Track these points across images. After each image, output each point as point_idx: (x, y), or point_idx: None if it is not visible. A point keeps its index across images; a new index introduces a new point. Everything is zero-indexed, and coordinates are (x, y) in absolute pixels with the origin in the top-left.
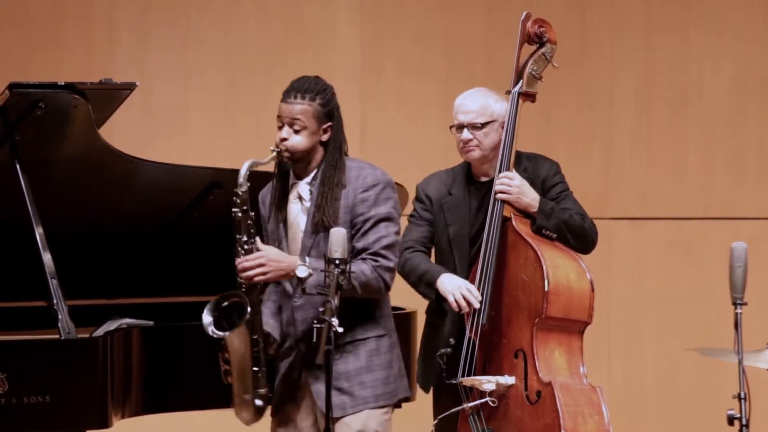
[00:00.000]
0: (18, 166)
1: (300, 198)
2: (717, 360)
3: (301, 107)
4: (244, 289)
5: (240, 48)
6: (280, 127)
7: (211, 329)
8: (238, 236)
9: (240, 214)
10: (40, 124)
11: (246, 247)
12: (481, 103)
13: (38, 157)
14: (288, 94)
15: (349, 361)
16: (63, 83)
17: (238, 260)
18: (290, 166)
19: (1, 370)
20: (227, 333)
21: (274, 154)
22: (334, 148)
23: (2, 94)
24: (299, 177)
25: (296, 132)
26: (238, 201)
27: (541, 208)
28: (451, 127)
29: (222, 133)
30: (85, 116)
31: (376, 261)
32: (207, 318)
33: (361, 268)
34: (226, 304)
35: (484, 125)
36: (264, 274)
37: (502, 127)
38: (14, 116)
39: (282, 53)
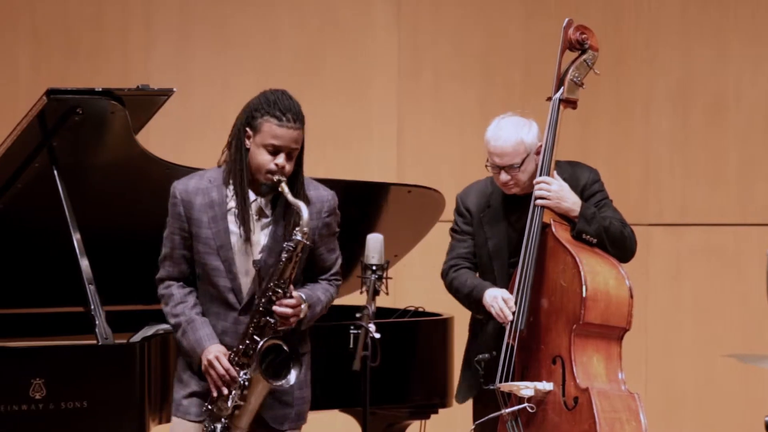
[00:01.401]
0: (56, 172)
1: (261, 214)
2: (754, 366)
3: (299, 134)
4: (277, 332)
5: (277, 53)
6: (275, 152)
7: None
8: (280, 281)
9: (296, 259)
10: (77, 130)
11: (285, 290)
12: (514, 141)
13: (76, 163)
14: (286, 118)
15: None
16: (100, 89)
17: (284, 303)
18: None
19: (39, 375)
20: (283, 382)
21: (283, 184)
22: (299, 165)
23: (40, 100)
24: (262, 194)
25: (290, 159)
26: (296, 248)
27: (582, 212)
28: (486, 165)
29: None
30: (123, 122)
31: (339, 280)
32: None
33: (331, 291)
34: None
35: (521, 164)
36: (299, 316)
37: (538, 153)
38: (52, 122)
39: (319, 58)
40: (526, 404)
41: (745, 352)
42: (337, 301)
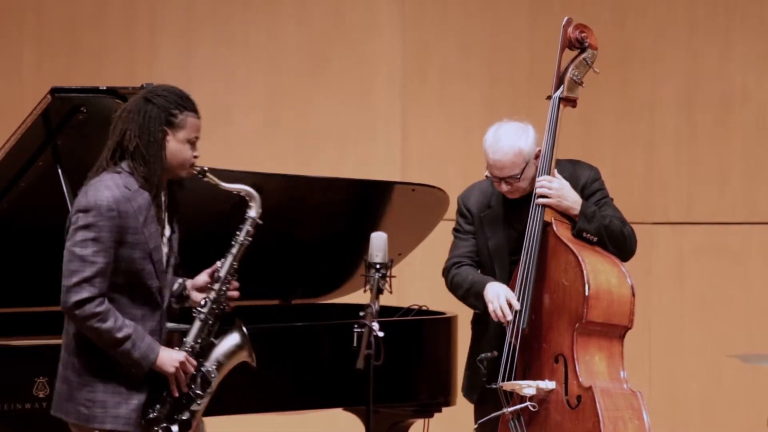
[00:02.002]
0: (60, 171)
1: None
2: (758, 366)
3: None
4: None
5: (282, 53)
6: (194, 145)
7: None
8: (235, 264)
9: (248, 243)
10: (81, 128)
11: (234, 275)
12: (512, 154)
13: (80, 162)
14: (196, 109)
15: None
16: (105, 88)
17: (234, 286)
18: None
19: (42, 374)
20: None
21: (209, 174)
22: None
23: (44, 98)
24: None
25: None
26: (252, 230)
27: (582, 210)
28: (486, 175)
29: (264, 137)
30: None
31: None
32: None
33: None
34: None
35: (520, 174)
36: None
37: (537, 157)
38: (56, 121)
39: (324, 59)
40: (528, 403)
41: (749, 351)
42: (341, 299)
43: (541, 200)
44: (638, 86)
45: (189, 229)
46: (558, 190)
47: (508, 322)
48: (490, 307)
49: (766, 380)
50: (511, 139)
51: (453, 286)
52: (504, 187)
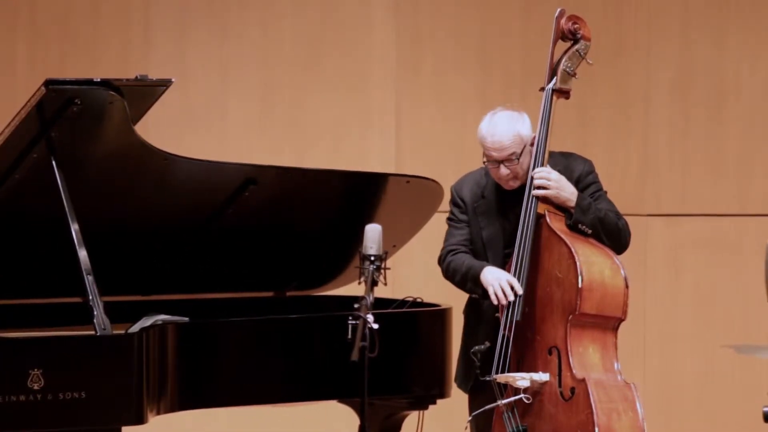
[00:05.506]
0: (54, 163)
1: None
2: (753, 357)
3: None
4: None
5: (277, 44)
6: None
7: None
8: None
9: None
10: (75, 120)
11: None
12: (511, 134)
13: (74, 154)
14: None
15: None
16: (99, 80)
17: None
18: None
19: (37, 366)
20: None
21: None
22: None
23: (38, 90)
24: None
25: None
26: None
27: (578, 203)
28: (484, 162)
29: (259, 129)
30: (121, 113)
31: None
32: None
33: None
34: None
35: (519, 155)
36: None
37: (532, 144)
38: (50, 113)
39: (318, 50)
40: (522, 395)
41: (743, 342)
42: (336, 292)
43: (538, 191)
44: (632, 78)
45: (185, 220)
46: (557, 182)
47: (504, 303)
48: (491, 290)
49: (760, 371)
50: (508, 122)
51: (449, 273)
52: (503, 171)
